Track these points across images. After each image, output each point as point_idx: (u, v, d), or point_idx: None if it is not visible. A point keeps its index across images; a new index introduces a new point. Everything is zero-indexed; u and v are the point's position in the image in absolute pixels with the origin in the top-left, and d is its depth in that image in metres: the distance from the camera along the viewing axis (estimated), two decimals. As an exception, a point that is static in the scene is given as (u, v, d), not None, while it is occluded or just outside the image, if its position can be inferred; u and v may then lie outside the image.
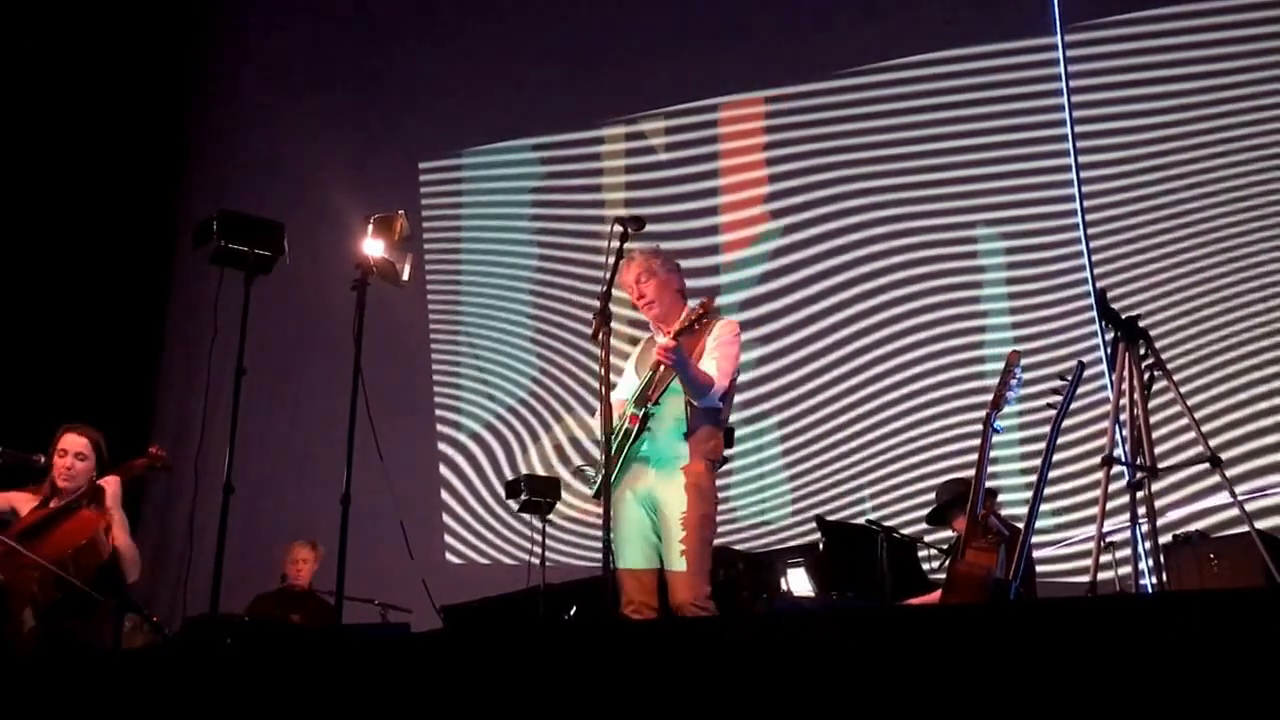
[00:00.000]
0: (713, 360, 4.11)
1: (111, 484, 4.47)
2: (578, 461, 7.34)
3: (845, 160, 7.08)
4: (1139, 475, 4.10)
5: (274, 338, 7.14)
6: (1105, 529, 4.11)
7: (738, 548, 6.10)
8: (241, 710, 2.79)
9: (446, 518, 7.82)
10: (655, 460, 4.08)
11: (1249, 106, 6.12)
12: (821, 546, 5.65)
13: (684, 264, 4.56)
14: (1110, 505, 4.12)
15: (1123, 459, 4.22)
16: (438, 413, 8.04)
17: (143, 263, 8.58)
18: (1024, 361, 4.55)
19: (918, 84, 6.94)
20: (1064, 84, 6.52)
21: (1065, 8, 6.56)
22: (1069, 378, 4.31)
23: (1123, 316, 4.25)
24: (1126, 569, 5.17)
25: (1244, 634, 2.05)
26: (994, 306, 6.64)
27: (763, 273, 7.20)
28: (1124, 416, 4.20)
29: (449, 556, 7.71)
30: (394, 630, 5.20)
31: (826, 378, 6.90)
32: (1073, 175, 6.45)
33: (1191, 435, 4.46)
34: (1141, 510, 4.13)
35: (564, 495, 6.23)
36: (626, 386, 4.29)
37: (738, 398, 5.03)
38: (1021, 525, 4.31)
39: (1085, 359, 4.62)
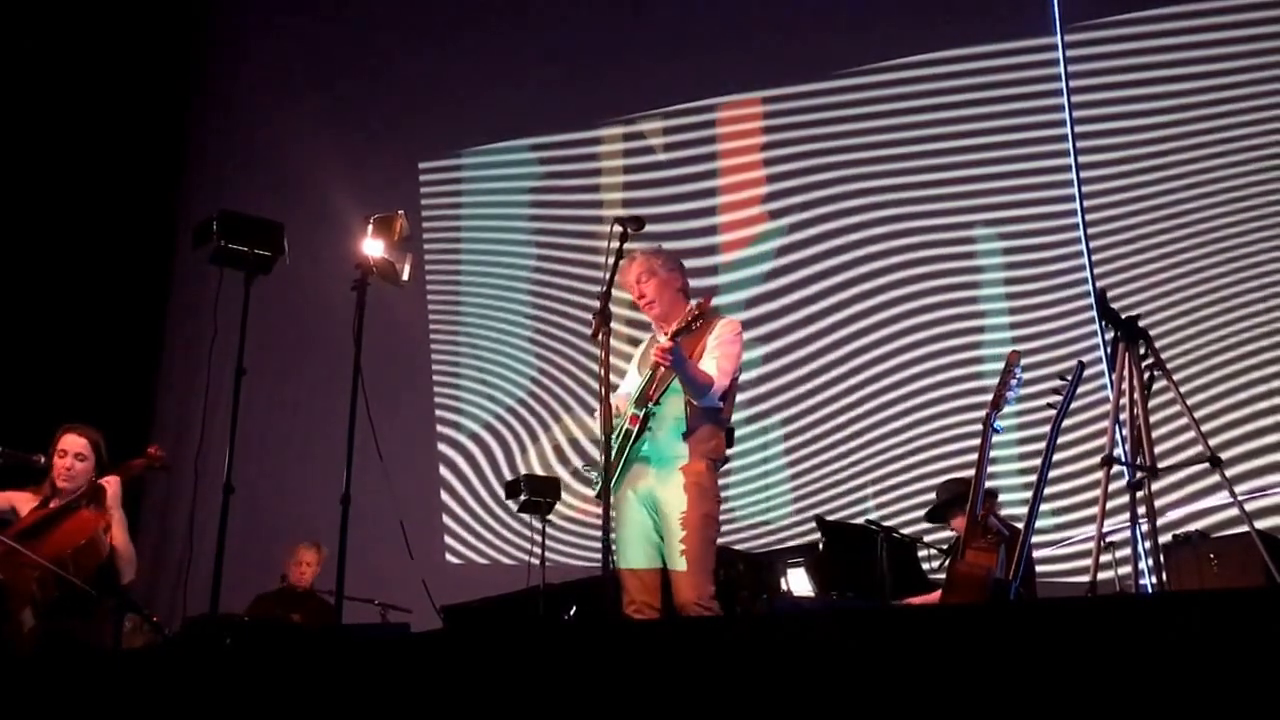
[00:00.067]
0: (713, 359, 4.11)
1: (112, 484, 4.47)
2: (577, 462, 7.34)
3: (845, 160, 7.08)
4: (1139, 475, 4.10)
5: (274, 338, 7.14)
6: (1105, 529, 4.11)
7: (738, 548, 6.10)
8: (241, 710, 2.79)
9: (446, 518, 7.82)
10: (656, 460, 4.08)
11: (1249, 106, 6.13)
12: (821, 546, 5.66)
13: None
14: (1110, 505, 4.12)
15: (1123, 459, 4.22)
16: (438, 413, 8.04)
17: (143, 263, 8.58)
18: (1024, 361, 4.56)
19: (917, 84, 6.94)
20: (1064, 84, 6.52)
21: (1065, 8, 6.56)
22: (1069, 378, 4.31)
23: (1123, 316, 4.25)
24: (1126, 569, 5.17)
25: (1244, 634, 2.05)
26: (994, 306, 6.64)
27: (761, 273, 7.20)
28: (1124, 416, 4.20)
29: (449, 557, 7.71)
30: (394, 630, 5.20)
31: (826, 378, 6.90)
32: (1073, 175, 6.45)
33: (1191, 435, 4.46)
34: (1141, 510, 4.13)
35: (564, 495, 6.23)
36: (629, 386, 4.29)
37: (738, 397, 5.03)
38: (1021, 525, 4.32)
39: (1085, 359, 4.62)
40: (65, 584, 4.20)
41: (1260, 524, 4.62)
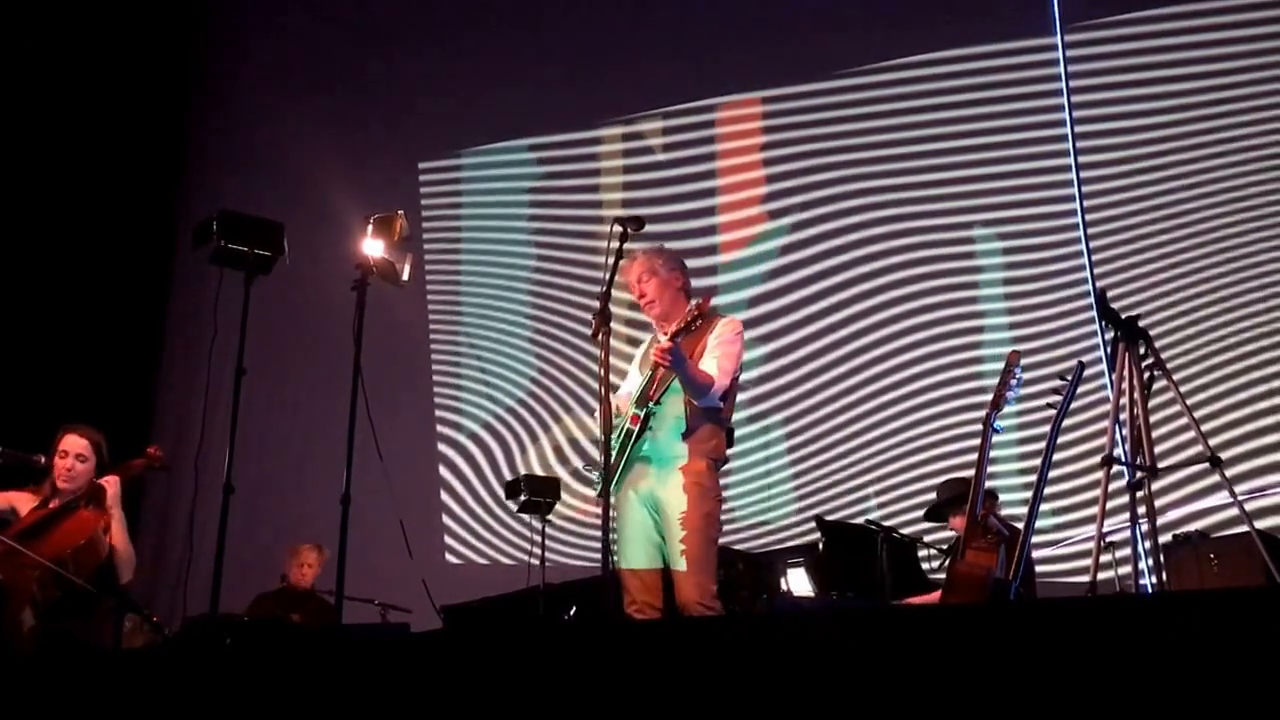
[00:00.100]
0: (713, 359, 4.11)
1: (111, 484, 4.47)
2: (577, 462, 7.34)
3: (844, 160, 7.08)
4: (1139, 475, 4.10)
5: (274, 338, 7.14)
6: (1105, 529, 4.11)
7: (737, 548, 6.10)
8: (241, 710, 2.79)
9: (446, 518, 7.82)
10: (657, 460, 4.08)
11: (1249, 107, 6.13)
12: (821, 546, 5.66)
13: (680, 265, 4.56)
14: (1110, 505, 4.12)
15: (1123, 459, 4.22)
16: (438, 413, 8.04)
17: (143, 263, 8.58)
18: (1024, 361, 4.55)
19: (917, 84, 6.94)
20: (1064, 84, 6.53)
21: (1065, 8, 6.56)
22: (1069, 378, 4.31)
23: (1123, 316, 4.25)
24: (1126, 569, 5.17)
25: (1244, 634, 2.05)
26: (994, 306, 6.64)
27: (760, 273, 7.20)
28: (1124, 416, 4.20)
29: (449, 557, 7.71)
30: (394, 630, 5.20)
31: (825, 378, 6.90)
32: (1073, 175, 6.45)
33: (1191, 435, 4.46)
34: (1141, 510, 4.13)
35: (563, 495, 6.23)
36: (630, 386, 4.29)
37: (739, 397, 5.03)
38: (1021, 525, 4.32)
39: (1085, 359, 4.62)
40: (65, 584, 4.20)
41: (1260, 524, 4.62)
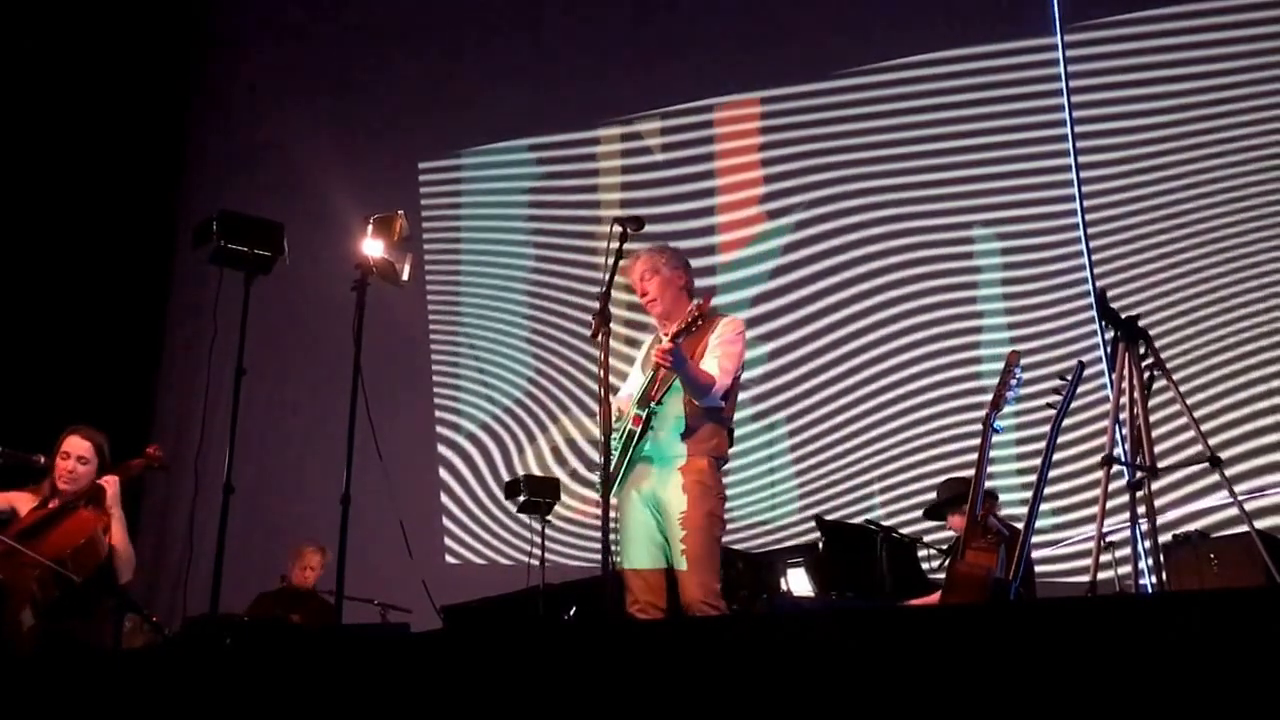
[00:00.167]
0: (714, 359, 4.11)
1: (111, 484, 4.47)
2: (575, 462, 7.34)
3: (844, 160, 7.08)
4: (1139, 475, 4.10)
5: (274, 338, 7.14)
6: (1105, 529, 4.11)
7: (737, 547, 6.10)
8: (241, 710, 2.79)
9: (446, 519, 7.82)
10: (658, 460, 4.09)
11: (1249, 107, 6.13)
12: (821, 546, 5.66)
13: (679, 265, 4.55)
14: (1110, 505, 4.12)
15: (1122, 459, 4.22)
16: (437, 414, 8.04)
17: (143, 263, 8.58)
18: (1024, 362, 4.55)
19: (917, 84, 6.94)
20: (1064, 84, 6.52)
21: (1065, 8, 6.56)
22: (1069, 378, 4.31)
23: (1122, 316, 4.25)
24: (1126, 569, 5.17)
25: (1244, 634, 2.05)
26: (994, 306, 6.64)
27: (759, 273, 7.20)
28: (1124, 416, 4.20)
29: (448, 557, 7.71)
30: (394, 630, 5.20)
31: (824, 377, 6.90)
32: (1073, 175, 6.45)
33: (1191, 435, 4.46)
34: (1141, 510, 4.13)
35: (563, 496, 6.23)
36: (631, 387, 4.29)
37: (740, 396, 5.03)
38: (1020, 525, 4.32)
39: (1085, 359, 4.62)
40: (65, 584, 4.20)
41: (1260, 524, 4.62)
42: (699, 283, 4.48)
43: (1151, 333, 4.29)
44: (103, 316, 8.13)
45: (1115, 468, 4.11)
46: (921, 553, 5.54)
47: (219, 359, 4.51)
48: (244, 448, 4.31)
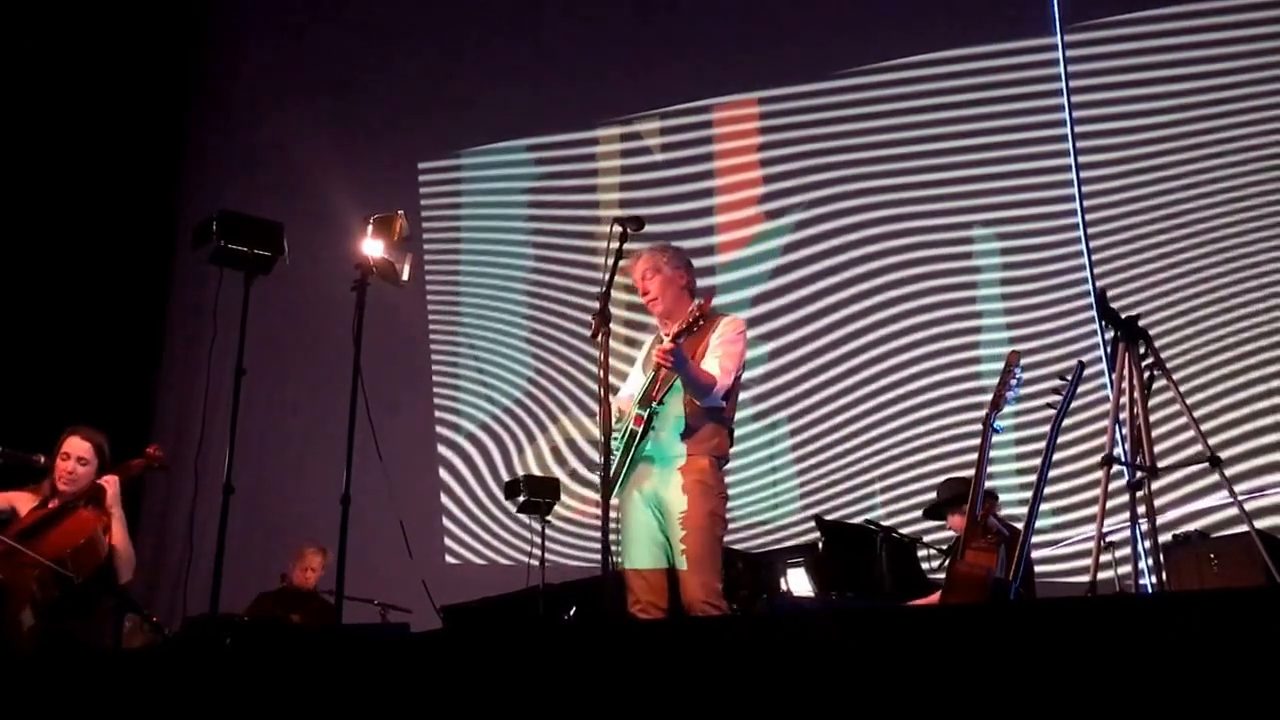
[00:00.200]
0: (715, 359, 4.12)
1: (110, 484, 4.47)
2: (574, 462, 7.34)
3: (843, 160, 7.08)
4: (1139, 475, 4.10)
5: (274, 338, 7.14)
6: (1105, 529, 4.11)
7: (737, 547, 6.10)
8: (241, 710, 2.79)
9: (445, 519, 7.82)
10: (660, 460, 4.09)
11: (1249, 107, 6.13)
12: (821, 546, 5.66)
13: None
14: (1110, 505, 4.12)
15: (1122, 459, 4.22)
16: (437, 414, 8.04)
17: (143, 263, 8.58)
18: (1024, 361, 4.55)
19: (916, 84, 6.94)
20: (1064, 84, 6.52)
21: (1065, 8, 6.56)
22: (1069, 378, 4.31)
23: (1122, 316, 4.25)
24: (1126, 569, 5.17)
25: (1244, 634, 2.05)
26: (994, 306, 6.64)
27: (757, 274, 7.20)
28: (1124, 416, 4.20)
29: (448, 558, 7.71)
30: (394, 630, 5.20)
31: (824, 377, 6.90)
32: (1073, 175, 6.45)
33: (1191, 435, 4.46)
34: (1141, 510, 4.13)
35: (563, 496, 6.23)
36: (636, 384, 4.29)
37: (740, 396, 5.03)
38: (1020, 526, 4.32)
39: (1085, 359, 4.62)
40: (65, 584, 4.20)
41: (1260, 524, 4.62)
42: (698, 283, 4.48)
43: (1151, 333, 4.29)
44: (103, 316, 8.13)
45: (1115, 468, 4.11)
46: (921, 553, 5.54)
47: (219, 359, 4.51)
48: (244, 448, 4.31)
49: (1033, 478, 4.49)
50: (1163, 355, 4.30)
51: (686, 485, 4.03)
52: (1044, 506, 4.94)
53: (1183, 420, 4.56)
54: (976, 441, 4.43)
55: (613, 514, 3.91)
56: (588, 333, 3.96)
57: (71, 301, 7.96)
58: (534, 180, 8.12)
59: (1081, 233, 6.38)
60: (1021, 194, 6.59)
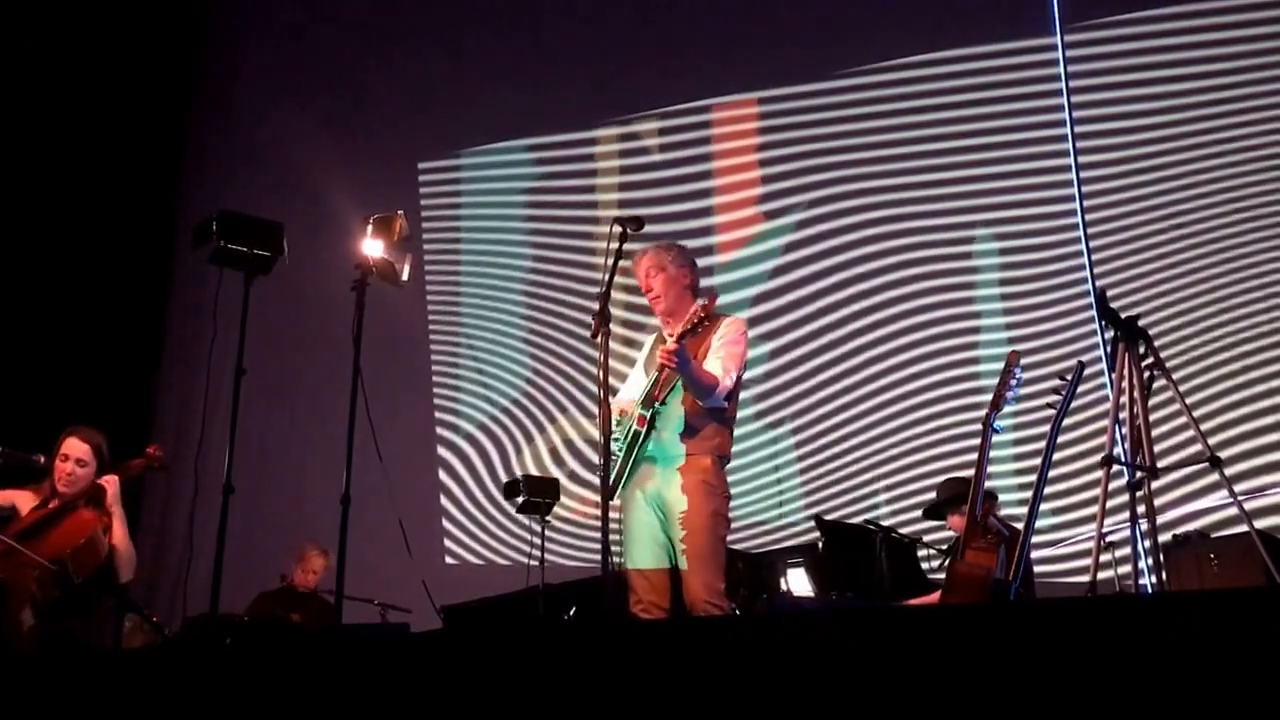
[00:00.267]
0: (718, 359, 4.12)
1: (111, 483, 4.47)
2: (573, 463, 7.34)
3: (843, 161, 7.08)
4: (1138, 475, 4.10)
5: (274, 338, 7.14)
6: (1105, 529, 4.11)
7: (737, 547, 6.10)
8: (241, 710, 2.79)
9: (445, 520, 7.82)
10: (662, 459, 4.09)
11: (1248, 107, 6.13)
12: (821, 546, 5.66)
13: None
14: (1110, 505, 4.12)
15: (1122, 459, 4.22)
16: (437, 414, 8.04)
17: (143, 263, 8.58)
18: (1024, 362, 4.55)
19: (916, 84, 6.94)
20: (1064, 84, 6.52)
21: (1065, 8, 6.56)
22: (1069, 378, 4.31)
23: (1122, 316, 4.25)
24: (1126, 569, 5.17)
25: (1244, 634, 2.05)
26: (993, 306, 6.64)
27: (756, 274, 7.20)
28: (1124, 416, 4.20)
29: (448, 558, 7.71)
30: (394, 630, 5.20)
31: (823, 377, 6.90)
32: (1073, 175, 6.45)
33: (1191, 435, 4.46)
34: (1141, 510, 4.13)
35: (563, 497, 6.23)
36: (636, 385, 4.29)
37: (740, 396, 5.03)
38: (1020, 526, 4.32)
39: (1085, 359, 4.62)
40: (65, 583, 4.20)
41: (1260, 524, 4.62)
42: (700, 283, 4.47)
43: (1151, 333, 4.29)
44: (103, 317, 8.13)
45: (1115, 468, 4.11)
46: (921, 553, 5.54)
47: (219, 359, 4.51)
48: (244, 448, 4.31)
49: (1032, 478, 4.49)
50: (1163, 355, 4.30)
51: (689, 485, 4.03)
52: (1044, 506, 4.94)
53: (1183, 420, 4.56)
54: (976, 441, 4.43)
55: (613, 514, 3.91)
56: (587, 333, 3.95)
57: (72, 301, 7.96)
58: (534, 180, 8.12)
59: (1081, 233, 6.38)
60: (1021, 194, 6.59)
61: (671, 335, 4.09)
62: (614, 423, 4.12)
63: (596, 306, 3.90)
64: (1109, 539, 4.80)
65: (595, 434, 4.15)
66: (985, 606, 3.80)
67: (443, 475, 7.90)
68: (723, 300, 6.88)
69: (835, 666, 2.28)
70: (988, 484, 4.47)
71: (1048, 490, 4.85)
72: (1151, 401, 4.19)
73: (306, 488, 7.55)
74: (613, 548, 3.93)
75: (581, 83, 7.93)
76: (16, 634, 4.13)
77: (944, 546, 5.33)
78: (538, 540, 5.90)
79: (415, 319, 8.08)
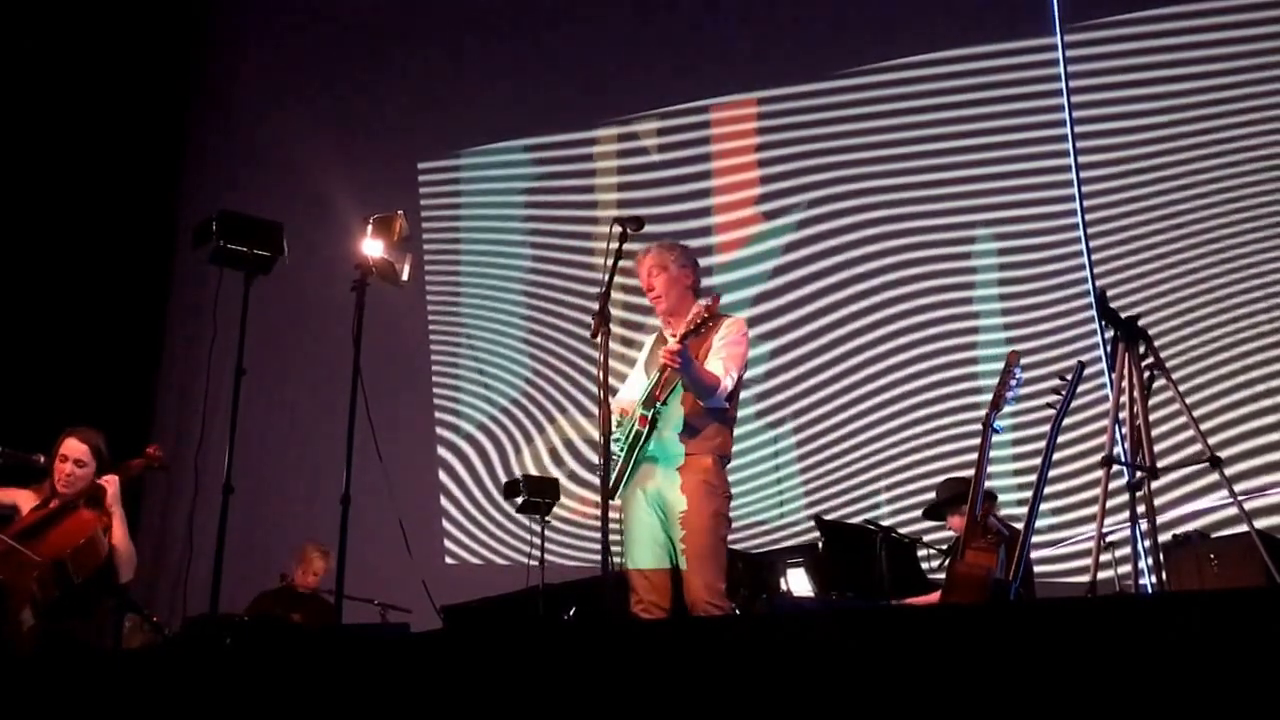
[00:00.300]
0: (719, 360, 4.12)
1: (111, 483, 4.47)
2: (572, 464, 7.34)
3: (843, 161, 7.08)
4: (1138, 475, 4.10)
5: (274, 338, 7.14)
6: (1105, 529, 4.11)
7: (737, 547, 6.10)
8: (241, 710, 2.79)
9: (445, 520, 7.82)
10: (663, 459, 4.09)
11: (1248, 107, 6.12)
12: (821, 546, 5.66)
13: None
14: (1110, 505, 4.12)
15: (1122, 459, 4.22)
16: (437, 414, 8.04)
17: (143, 263, 8.58)
18: (1024, 362, 4.55)
19: (916, 84, 6.94)
20: (1064, 84, 6.52)
21: (1065, 8, 6.56)
22: (1069, 378, 4.31)
23: (1122, 316, 4.25)
24: (1126, 569, 5.17)
25: (1244, 634, 2.05)
26: (993, 306, 6.64)
27: (756, 274, 7.20)
28: (1124, 416, 4.20)
29: (448, 558, 7.71)
30: (394, 630, 5.20)
31: (823, 377, 6.90)
32: (1072, 175, 6.45)
33: (1191, 435, 4.46)
34: (1141, 510, 4.13)
35: (563, 496, 6.23)
36: (636, 385, 4.29)
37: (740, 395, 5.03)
38: (1020, 526, 4.32)
39: (1085, 359, 4.62)
40: (65, 583, 4.20)
41: (1260, 524, 4.62)
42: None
43: (1151, 333, 4.29)
44: (103, 316, 8.13)
45: (1115, 468, 4.11)
46: (921, 553, 5.54)
47: (219, 359, 4.51)
48: (244, 448, 4.31)
49: (1032, 478, 4.49)
50: (1163, 355, 4.30)
51: (690, 485, 4.03)
52: (1044, 506, 4.94)
53: (1183, 420, 4.56)
54: (976, 441, 4.43)
55: (613, 514, 3.91)
56: (587, 333, 3.95)
57: (71, 301, 7.96)
58: (533, 180, 8.12)
59: (1081, 233, 6.37)
60: (1021, 194, 6.59)
61: (673, 335, 4.09)
62: (614, 423, 4.12)
63: (596, 306, 3.90)
64: (1109, 539, 4.80)
65: (595, 434, 4.15)
66: (985, 607, 3.80)
67: (443, 475, 7.90)
68: (723, 300, 6.88)
69: (835, 666, 2.28)
70: (988, 484, 4.47)
71: (1048, 490, 4.85)
72: (1151, 401, 4.19)
73: (306, 488, 7.55)
74: (613, 548, 3.93)
75: (581, 83, 7.93)
76: (16, 634, 4.13)
77: (944, 546, 5.33)
78: (538, 540, 5.90)
79: (415, 319, 8.08)
